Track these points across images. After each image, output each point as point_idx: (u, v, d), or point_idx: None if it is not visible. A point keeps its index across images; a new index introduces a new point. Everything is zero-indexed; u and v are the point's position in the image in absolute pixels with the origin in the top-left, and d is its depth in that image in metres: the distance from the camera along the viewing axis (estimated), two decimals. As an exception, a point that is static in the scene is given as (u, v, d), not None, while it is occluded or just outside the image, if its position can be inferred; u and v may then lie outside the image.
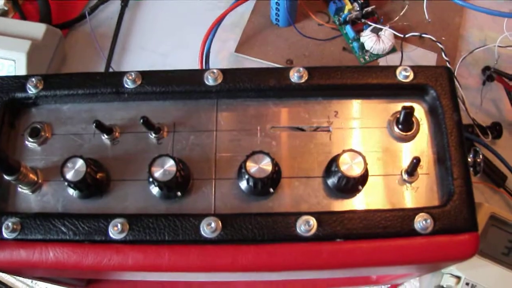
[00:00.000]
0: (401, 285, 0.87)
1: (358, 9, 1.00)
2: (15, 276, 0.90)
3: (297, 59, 0.99)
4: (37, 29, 0.96)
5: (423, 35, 0.94)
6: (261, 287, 0.85)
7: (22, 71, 0.92)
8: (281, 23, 1.02)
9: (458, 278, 0.81)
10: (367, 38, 0.98)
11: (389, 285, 0.87)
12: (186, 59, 1.02)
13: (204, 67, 0.93)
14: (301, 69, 0.61)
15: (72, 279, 0.81)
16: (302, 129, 0.62)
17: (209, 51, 0.93)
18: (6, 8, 1.06)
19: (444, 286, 0.81)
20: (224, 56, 1.03)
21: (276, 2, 0.97)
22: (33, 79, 0.63)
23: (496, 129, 0.94)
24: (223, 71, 0.62)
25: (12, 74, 0.91)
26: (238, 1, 0.93)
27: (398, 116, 0.61)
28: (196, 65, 0.94)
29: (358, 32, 1.01)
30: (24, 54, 0.92)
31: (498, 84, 0.98)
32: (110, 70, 1.00)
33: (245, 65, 1.02)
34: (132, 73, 0.62)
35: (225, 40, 1.04)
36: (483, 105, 0.99)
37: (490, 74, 0.97)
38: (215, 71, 0.61)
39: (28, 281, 0.90)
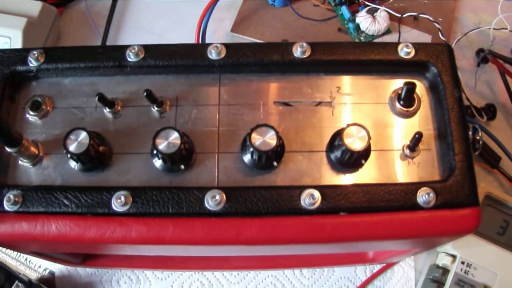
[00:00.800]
0: (397, 264, 0.88)
1: (354, -11, 1.00)
2: (7, 253, 0.90)
3: (292, 40, 0.97)
4: (33, 6, 0.95)
5: (421, 15, 0.94)
6: (258, 261, 0.85)
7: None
8: (277, 3, 1.02)
9: (454, 257, 0.81)
10: (363, 19, 0.98)
11: (384, 264, 0.87)
12: (182, 39, 0.98)
13: None
14: (304, 44, 0.61)
15: (68, 255, 0.80)
16: (304, 103, 0.62)
17: (205, 30, 0.93)
18: None
19: (440, 265, 0.82)
20: (220, 35, 1.03)
21: (273, -18, 0.97)
22: (35, 52, 0.62)
23: (490, 111, 0.95)
24: (227, 46, 0.62)
25: None
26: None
27: (399, 92, 0.60)
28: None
29: (354, 13, 1.00)
30: (19, 32, 0.91)
31: (491, 66, 0.99)
32: None
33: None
34: (135, 47, 0.62)
35: (221, 20, 1.03)
36: (477, 87, 0.99)
37: (484, 56, 0.97)
38: (218, 45, 0.61)
39: (22, 258, 0.90)
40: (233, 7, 1.04)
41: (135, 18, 1.06)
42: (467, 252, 0.81)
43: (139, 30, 1.04)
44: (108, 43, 1.00)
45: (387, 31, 1.00)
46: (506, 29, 0.98)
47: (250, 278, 0.88)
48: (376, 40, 1.00)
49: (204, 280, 0.88)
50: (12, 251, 0.88)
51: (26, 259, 0.90)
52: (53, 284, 0.88)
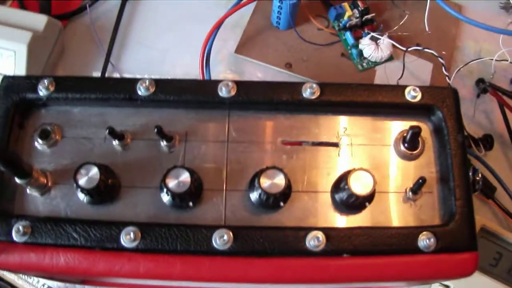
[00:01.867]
0: None
1: (358, 16, 1.01)
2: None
3: (296, 63, 1.00)
4: (39, 20, 0.95)
5: (425, 50, 0.96)
6: None
7: (22, 62, 0.91)
8: (281, 25, 1.03)
9: (447, 287, 0.83)
10: (366, 46, 0.99)
11: None
12: (186, 56, 1.02)
13: (204, 67, 0.93)
14: (314, 85, 0.62)
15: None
16: (312, 144, 0.63)
17: (210, 51, 0.93)
18: None
19: None
20: (224, 56, 1.03)
21: (279, 6, 0.97)
22: (45, 81, 0.63)
23: (487, 141, 0.96)
24: (237, 83, 0.63)
25: (12, 65, 0.90)
26: (242, 2, 0.94)
27: (405, 135, 0.62)
28: (195, 63, 0.94)
29: (357, 38, 1.01)
30: (24, 46, 0.91)
31: (491, 96, 1.00)
32: (109, 64, 1.00)
33: (244, 66, 1.02)
34: (146, 81, 0.63)
35: (225, 40, 1.03)
36: (475, 117, 1.01)
37: (484, 88, 0.99)
38: (229, 83, 0.62)
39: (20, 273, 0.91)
40: (238, 26, 1.05)
41: (139, 34, 1.06)
42: (460, 283, 0.82)
43: (143, 46, 1.05)
44: (112, 58, 1.00)
45: (390, 58, 1.01)
46: (507, 61, 0.99)
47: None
48: (378, 67, 1.01)
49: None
50: None
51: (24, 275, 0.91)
52: (52, 299, 0.89)
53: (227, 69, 1.02)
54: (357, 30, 1.02)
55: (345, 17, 1.02)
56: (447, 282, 0.82)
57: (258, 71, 1.00)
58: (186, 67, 0.99)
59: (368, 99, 0.64)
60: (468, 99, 1.02)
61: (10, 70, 0.91)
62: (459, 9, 1.10)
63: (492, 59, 0.99)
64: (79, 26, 1.07)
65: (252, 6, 1.05)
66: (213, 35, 0.92)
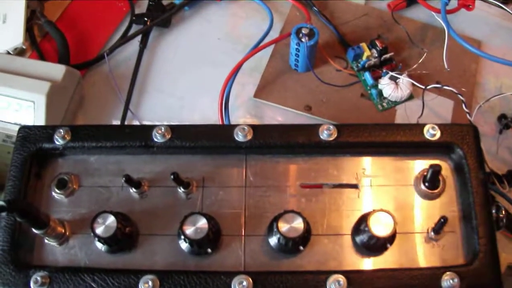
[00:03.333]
0: None
1: (376, 55, 1.01)
2: None
3: (315, 105, 1.00)
4: (57, 70, 0.96)
5: (444, 87, 0.96)
6: None
7: (41, 112, 0.92)
8: (300, 68, 1.03)
9: None
10: (386, 85, 0.99)
11: None
12: (204, 102, 1.03)
13: (223, 112, 0.94)
14: (331, 127, 0.63)
15: None
16: (331, 186, 0.63)
17: (228, 96, 0.94)
18: (24, 47, 1.07)
19: None
20: (243, 100, 1.04)
21: (296, 48, 0.98)
22: (61, 130, 0.64)
23: (511, 177, 0.96)
24: (253, 127, 0.64)
25: (31, 115, 0.92)
26: (259, 46, 0.95)
27: (425, 174, 0.62)
28: (214, 108, 0.95)
29: (376, 78, 1.02)
30: (43, 96, 0.92)
31: (513, 133, 1.00)
32: (129, 112, 1.01)
33: (263, 110, 1.03)
34: (162, 127, 0.64)
35: (243, 84, 1.04)
36: (499, 153, 1.00)
37: (506, 123, 0.98)
38: (245, 127, 0.63)
39: None
40: (256, 70, 1.05)
41: (158, 81, 1.07)
42: None
43: (162, 93, 1.06)
44: (131, 106, 1.02)
45: (410, 97, 1.01)
46: None
47: None
48: (398, 106, 1.01)
49: None
50: None
51: None
52: None
53: (246, 114, 1.03)
54: (376, 70, 1.02)
55: (364, 58, 1.03)
56: None
57: (278, 114, 1.00)
58: (205, 113, 0.99)
59: (386, 139, 0.64)
60: (491, 136, 1.01)
61: (30, 121, 0.92)
62: (478, 45, 1.10)
63: None
64: (97, 75, 1.09)
65: (269, 50, 1.06)
66: (232, 80, 0.94)
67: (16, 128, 0.85)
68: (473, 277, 0.58)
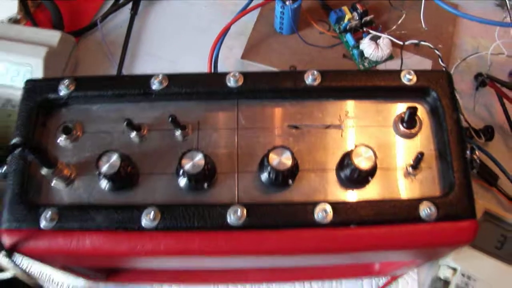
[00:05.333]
0: (401, 277, 0.94)
1: (357, 18, 1.07)
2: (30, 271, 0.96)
3: (300, 65, 1.05)
4: (52, 36, 1.01)
5: (421, 43, 1.01)
6: (271, 274, 0.92)
7: (38, 76, 0.97)
8: (284, 31, 1.09)
9: (454, 269, 0.87)
10: (366, 46, 1.05)
11: (389, 277, 0.93)
12: (194, 65, 1.08)
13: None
14: (315, 72, 0.68)
15: (94, 271, 0.87)
16: (316, 127, 0.68)
17: (217, 58, 1.00)
18: (18, 17, 1.12)
19: (441, 277, 0.88)
20: (231, 62, 1.09)
21: (281, 12, 1.03)
22: (66, 81, 0.68)
23: (488, 132, 1.02)
24: (244, 74, 0.68)
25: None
26: (244, 10, 1.00)
27: (403, 115, 0.67)
28: (203, 70, 1.00)
29: (358, 40, 1.07)
30: (40, 60, 0.97)
31: (489, 89, 1.06)
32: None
33: (251, 70, 1.06)
34: (159, 75, 0.68)
35: (231, 47, 1.10)
36: (476, 110, 1.06)
37: (482, 80, 1.04)
38: (236, 74, 0.68)
39: (45, 276, 0.96)
40: (242, 34, 1.11)
41: (148, 46, 1.13)
42: (467, 265, 0.87)
43: (152, 57, 1.11)
44: (123, 70, 1.07)
45: (390, 57, 1.07)
46: (504, 54, 1.05)
47: (263, 291, 0.95)
48: (379, 66, 1.07)
49: (221, 293, 0.95)
50: (36, 269, 0.94)
51: (49, 277, 0.96)
52: (77, 298, 0.94)
53: None
54: (357, 31, 1.08)
55: (345, 20, 1.08)
56: (454, 265, 0.87)
57: None
58: None
59: (366, 84, 0.69)
60: (468, 93, 1.07)
61: None
62: (455, 7, 1.15)
63: (490, 53, 1.05)
64: (91, 42, 1.14)
65: (255, 15, 1.12)
66: (220, 42, 0.99)
67: (15, 92, 0.90)
68: (449, 207, 0.63)
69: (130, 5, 1.16)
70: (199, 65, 1.03)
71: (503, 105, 1.02)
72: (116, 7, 1.15)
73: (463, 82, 1.09)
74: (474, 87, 1.08)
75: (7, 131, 0.97)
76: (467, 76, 1.09)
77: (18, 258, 0.65)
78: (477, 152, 0.69)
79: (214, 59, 0.99)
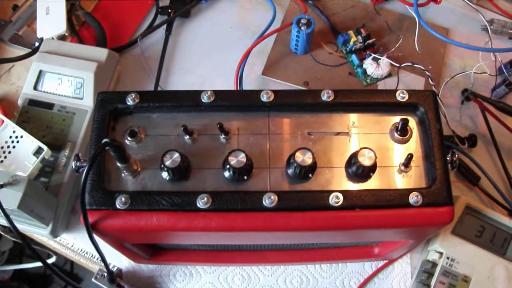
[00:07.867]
0: (396, 260, 1.13)
1: (361, 41, 1.26)
2: (81, 254, 1.15)
3: (311, 81, 1.24)
4: (101, 52, 1.18)
5: (415, 65, 1.19)
6: (287, 256, 1.10)
7: (90, 88, 1.13)
8: (299, 51, 1.27)
9: (441, 253, 1.05)
10: (369, 65, 1.24)
11: (386, 261, 1.13)
12: (221, 79, 1.25)
13: (238, 87, 1.18)
14: (329, 91, 0.86)
15: (143, 252, 1.04)
16: (329, 133, 0.86)
17: (242, 74, 1.19)
18: (66, 34, 1.29)
19: (430, 260, 1.05)
20: (252, 78, 1.27)
21: (297, 35, 1.22)
22: (132, 94, 0.85)
23: (472, 139, 1.20)
24: (274, 92, 0.86)
25: (81, 90, 1.14)
26: (265, 33, 1.21)
27: (397, 125, 0.84)
28: (230, 84, 1.18)
29: (361, 60, 1.26)
30: (92, 74, 1.13)
31: (474, 103, 1.24)
32: (159, 87, 1.24)
33: (270, 85, 1.24)
34: (208, 91, 0.85)
35: (253, 65, 1.27)
36: (461, 120, 1.24)
37: (467, 96, 1.23)
38: (269, 91, 0.85)
39: (94, 258, 1.15)
40: (262, 53, 1.29)
41: (181, 62, 1.29)
42: (451, 250, 1.04)
43: (185, 72, 1.28)
44: (160, 82, 1.25)
45: (389, 75, 1.26)
46: (486, 73, 1.23)
47: (280, 272, 1.14)
48: (379, 82, 1.25)
49: (244, 273, 1.14)
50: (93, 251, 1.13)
51: (97, 259, 1.16)
52: (121, 277, 1.13)
53: (256, 88, 1.23)
54: (361, 53, 1.27)
55: (351, 43, 1.27)
56: (440, 249, 1.05)
57: (282, 89, 1.13)
58: (222, 88, 1.16)
59: (369, 100, 0.86)
60: (456, 106, 1.26)
61: (80, 95, 1.14)
62: (446, 32, 1.34)
63: (474, 72, 1.23)
64: (131, 57, 1.30)
65: (273, 37, 1.30)
66: (245, 61, 1.18)
67: (67, 100, 1.09)
68: (432, 196, 0.78)
69: (164, 26, 1.33)
70: (226, 79, 1.21)
71: (485, 117, 1.20)
72: (153, 28, 1.32)
73: (452, 97, 1.26)
74: (460, 101, 1.26)
75: (62, 133, 1.12)
76: (455, 91, 1.27)
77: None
78: (457, 155, 0.84)
79: (239, 76, 1.18)
